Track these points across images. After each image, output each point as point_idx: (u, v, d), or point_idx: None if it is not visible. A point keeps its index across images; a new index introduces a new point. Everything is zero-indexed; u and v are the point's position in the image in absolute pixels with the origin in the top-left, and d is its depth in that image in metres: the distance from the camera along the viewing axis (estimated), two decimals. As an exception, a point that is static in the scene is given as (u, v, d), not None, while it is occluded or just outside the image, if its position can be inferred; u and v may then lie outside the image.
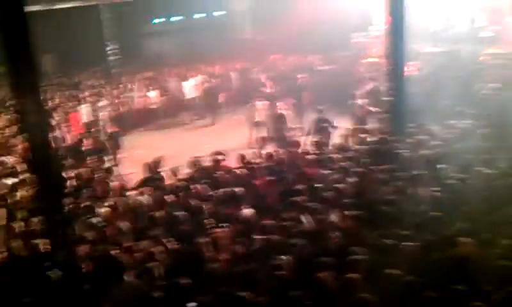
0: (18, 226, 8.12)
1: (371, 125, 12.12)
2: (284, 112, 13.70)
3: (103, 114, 17.09)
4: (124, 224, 7.60)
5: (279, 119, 13.13)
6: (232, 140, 14.56)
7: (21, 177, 10.25)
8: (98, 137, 14.24)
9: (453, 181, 7.75)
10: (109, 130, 14.37)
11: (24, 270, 6.45)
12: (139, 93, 19.03)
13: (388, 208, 6.99)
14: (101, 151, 12.85)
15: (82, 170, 10.67)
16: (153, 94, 19.02)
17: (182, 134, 17.34)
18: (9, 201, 9.32)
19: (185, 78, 19.98)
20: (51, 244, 6.96)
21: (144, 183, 9.44)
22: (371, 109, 13.23)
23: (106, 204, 8.62)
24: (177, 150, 14.76)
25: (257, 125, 13.54)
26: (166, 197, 8.41)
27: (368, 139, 10.50)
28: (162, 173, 9.95)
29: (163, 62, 24.63)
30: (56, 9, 21.55)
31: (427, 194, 7.48)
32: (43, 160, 7.62)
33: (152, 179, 9.62)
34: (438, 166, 8.36)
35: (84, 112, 16.73)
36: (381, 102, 12.43)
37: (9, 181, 10.13)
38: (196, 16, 28.75)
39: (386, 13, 10.45)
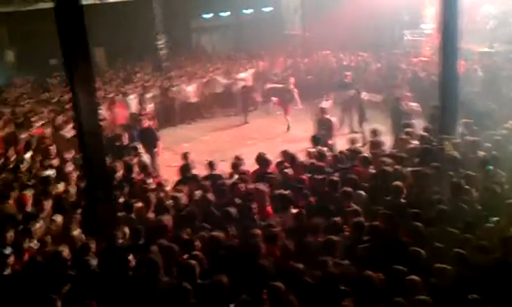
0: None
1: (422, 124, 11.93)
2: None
3: (149, 107, 17.44)
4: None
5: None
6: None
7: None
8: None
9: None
10: (145, 124, 13.94)
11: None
12: (185, 86, 19.22)
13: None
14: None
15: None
16: (192, 89, 19.14)
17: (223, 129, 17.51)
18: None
19: (229, 73, 20.17)
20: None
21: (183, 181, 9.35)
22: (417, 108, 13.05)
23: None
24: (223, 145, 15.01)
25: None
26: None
27: (418, 140, 10.26)
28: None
29: (211, 57, 24.88)
30: (108, 3, 22.06)
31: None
32: (95, 153, 7.83)
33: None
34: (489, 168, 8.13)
35: (131, 104, 17.00)
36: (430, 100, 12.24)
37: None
38: (246, 11, 28.84)
39: (439, 10, 10.22)
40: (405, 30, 21.57)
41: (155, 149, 13.20)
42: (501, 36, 18.81)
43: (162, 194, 8.70)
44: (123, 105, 16.74)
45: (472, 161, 8.58)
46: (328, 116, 12.64)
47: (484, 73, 15.24)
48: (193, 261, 5.70)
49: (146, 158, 12.09)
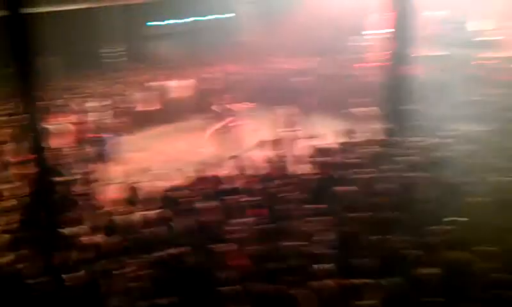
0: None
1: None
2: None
3: (99, 117, 17.25)
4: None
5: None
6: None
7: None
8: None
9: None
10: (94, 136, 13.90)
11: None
12: (136, 95, 19.11)
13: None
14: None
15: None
16: (147, 96, 19.03)
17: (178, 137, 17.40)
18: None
19: (174, 80, 20.15)
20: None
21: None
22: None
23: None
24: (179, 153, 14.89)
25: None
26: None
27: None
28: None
29: (164, 65, 24.74)
30: (60, 11, 21.63)
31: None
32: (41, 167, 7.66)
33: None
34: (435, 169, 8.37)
35: (79, 115, 16.53)
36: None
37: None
38: (201, 18, 28.79)
39: (391, 15, 10.44)
40: (355, 35, 21.97)
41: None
42: (454, 40, 19.41)
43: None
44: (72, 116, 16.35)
45: (425, 163, 8.79)
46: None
47: (438, 77, 15.66)
48: (135, 284, 5.62)
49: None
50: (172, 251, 6.45)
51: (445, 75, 15.21)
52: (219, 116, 15.62)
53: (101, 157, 13.66)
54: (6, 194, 9.49)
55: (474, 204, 6.91)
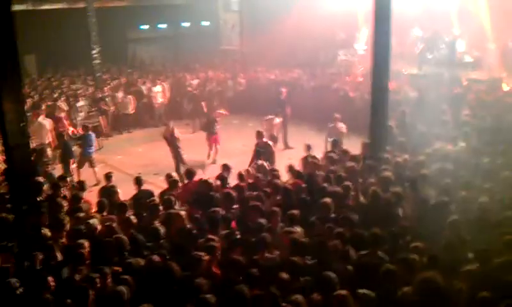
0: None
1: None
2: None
3: (80, 116, 17.13)
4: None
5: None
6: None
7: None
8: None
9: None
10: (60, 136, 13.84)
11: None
12: (117, 97, 19.04)
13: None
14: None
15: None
16: (127, 100, 19.03)
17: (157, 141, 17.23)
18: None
19: (155, 84, 20.23)
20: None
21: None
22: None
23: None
24: (156, 157, 14.80)
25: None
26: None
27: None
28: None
29: (146, 68, 24.70)
30: (40, 10, 21.43)
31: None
32: (21, 165, 7.51)
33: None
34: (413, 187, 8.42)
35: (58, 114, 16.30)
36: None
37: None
38: (184, 24, 28.78)
39: (371, 31, 10.55)
40: (339, 50, 22.16)
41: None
42: (429, 59, 19.71)
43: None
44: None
45: (401, 180, 8.84)
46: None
47: (414, 94, 15.82)
48: (122, 288, 5.47)
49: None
50: (150, 257, 6.31)
51: (427, 93, 15.35)
52: (200, 123, 15.63)
53: (80, 157, 13.45)
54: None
55: (450, 222, 6.93)
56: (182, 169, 11.71)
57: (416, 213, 7.71)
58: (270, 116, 14.96)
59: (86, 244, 6.71)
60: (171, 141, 13.36)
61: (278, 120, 14.82)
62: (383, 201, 7.90)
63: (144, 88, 20.11)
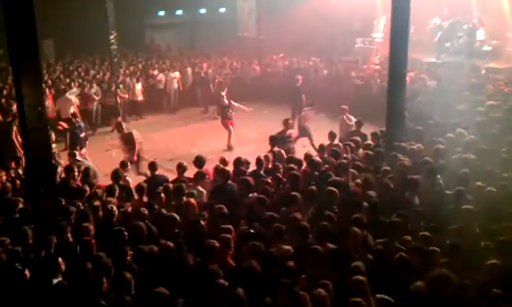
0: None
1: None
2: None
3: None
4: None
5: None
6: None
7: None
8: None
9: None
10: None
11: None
12: (131, 83, 19.16)
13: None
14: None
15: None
16: (139, 87, 19.09)
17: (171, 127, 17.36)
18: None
19: (172, 71, 20.28)
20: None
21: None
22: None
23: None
24: (171, 143, 14.87)
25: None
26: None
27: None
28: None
29: (162, 55, 24.73)
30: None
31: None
32: (40, 150, 7.55)
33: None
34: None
35: (72, 100, 16.47)
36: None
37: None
38: (201, 11, 28.75)
39: (389, 19, 10.45)
40: (357, 38, 21.99)
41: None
42: (448, 47, 19.48)
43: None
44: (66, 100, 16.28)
45: (419, 169, 8.78)
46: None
47: (432, 83, 15.68)
48: (128, 274, 5.49)
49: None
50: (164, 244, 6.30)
51: (446, 82, 15.19)
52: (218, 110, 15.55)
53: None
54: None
55: (466, 212, 6.88)
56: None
57: (432, 202, 7.65)
58: (307, 108, 14.46)
59: (91, 227, 6.79)
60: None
61: (310, 112, 14.22)
62: (397, 190, 7.86)
63: (160, 74, 20.17)
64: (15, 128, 12.65)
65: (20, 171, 10.01)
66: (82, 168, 9.99)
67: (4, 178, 9.45)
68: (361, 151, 10.23)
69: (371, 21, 21.65)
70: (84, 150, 12.86)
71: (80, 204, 8.06)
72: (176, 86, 19.75)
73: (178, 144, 14.22)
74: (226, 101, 15.24)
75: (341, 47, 22.33)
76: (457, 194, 7.49)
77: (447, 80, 15.50)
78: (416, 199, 7.67)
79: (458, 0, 19.77)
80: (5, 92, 16.75)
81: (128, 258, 6.14)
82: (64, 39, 23.61)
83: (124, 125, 12.60)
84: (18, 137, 13.02)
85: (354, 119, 12.49)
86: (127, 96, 18.52)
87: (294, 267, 5.59)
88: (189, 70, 20.92)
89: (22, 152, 11.47)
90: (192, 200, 7.69)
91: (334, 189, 7.57)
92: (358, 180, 8.48)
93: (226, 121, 15.10)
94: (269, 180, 8.63)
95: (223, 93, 15.60)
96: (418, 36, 18.80)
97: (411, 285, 5.19)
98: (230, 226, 6.64)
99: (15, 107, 14.37)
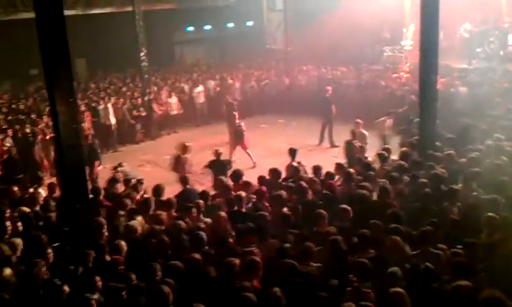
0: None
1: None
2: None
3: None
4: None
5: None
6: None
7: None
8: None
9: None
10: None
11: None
12: (162, 98, 19.48)
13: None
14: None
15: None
16: (174, 100, 19.30)
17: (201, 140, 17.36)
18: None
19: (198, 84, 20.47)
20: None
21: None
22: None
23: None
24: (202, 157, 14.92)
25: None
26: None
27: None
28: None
29: (191, 69, 24.97)
30: (90, 14, 22.05)
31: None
32: (74, 166, 7.69)
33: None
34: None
35: (102, 115, 17.06)
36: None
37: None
38: (229, 25, 29.00)
39: (419, 27, 10.36)
40: (385, 46, 21.85)
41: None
42: (479, 53, 19.19)
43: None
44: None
45: (454, 176, 8.65)
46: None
47: (464, 89, 15.46)
48: (166, 288, 5.45)
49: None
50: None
51: (478, 88, 14.96)
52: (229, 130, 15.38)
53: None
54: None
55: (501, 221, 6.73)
56: None
57: (467, 210, 7.50)
58: (381, 118, 14.02)
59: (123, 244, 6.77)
60: None
61: (390, 121, 13.86)
62: (434, 198, 7.73)
63: (186, 88, 20.42)
64: (37, 147, 12.80)
65: (42, 191, 9.91)
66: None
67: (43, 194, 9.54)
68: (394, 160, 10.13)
69: (400, 29, 21.47)
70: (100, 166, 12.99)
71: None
72: (202, 100, 19.89)
73: (209, 157, 14.28)
74: (237, 121, 15.01)
75: (369, 55, 22.22)
76: (492, 201, 7.33)
77: (479, 85, 15.26)
78: (454, 209, 7.52)
79: (488, 5, 19.49)
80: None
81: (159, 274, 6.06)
82: (96, 57, 24.11)
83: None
84: (42, 154, 13.29)
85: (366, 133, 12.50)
86: (161, 110, 18.75)
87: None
88: (212, 82, 21.08)
89: (45, 172, 11.75)
90: (223, 214, 7.67)
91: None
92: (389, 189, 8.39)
93: (238, 142, 14.73)
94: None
95: (235, 113, 15.43)
96: (449, 42, 18.59)
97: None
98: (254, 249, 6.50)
99: (41, 125, 14.77)
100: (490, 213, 6.68)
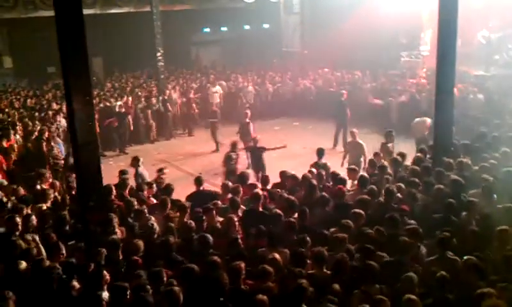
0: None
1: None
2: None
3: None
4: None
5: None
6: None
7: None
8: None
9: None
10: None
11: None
12: (176, 98, 19.50)
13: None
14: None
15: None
16: (191, 100, 19.45)
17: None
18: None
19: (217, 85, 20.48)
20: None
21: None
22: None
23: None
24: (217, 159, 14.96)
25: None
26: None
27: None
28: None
29: (207, 70, 25.05)
30: (108, 14, 22.22)
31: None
32: (90, 163, 7.75)
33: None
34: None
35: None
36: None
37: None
38: (245, 27, 29.03)
39: (436, 32, 10.30)
40: (402, 51, 21.72)
41: None
42: (497, 60, 19.02)
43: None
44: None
45: (471, 184, 8.57)
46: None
47: (482, 96, 15.34)
48: (177, 288, 5.46)
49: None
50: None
51: (496, 95, 14.84)
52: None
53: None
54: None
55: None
56: None
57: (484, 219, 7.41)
58: (418, 119, 13.73)
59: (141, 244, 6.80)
60: None
61: (429, 121, 13.24)
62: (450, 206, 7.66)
63: (211, 89, 20.36)
64: (44, 142, 12.89)
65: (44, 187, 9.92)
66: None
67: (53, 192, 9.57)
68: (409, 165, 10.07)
69: (417, 34, 21.34)
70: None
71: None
72: (218, 100, 19.83)
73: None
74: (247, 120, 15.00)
75: (386, 60, 22.10)
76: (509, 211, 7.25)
77: (496, 92, 15.13)
78: (473, 221, 7.44)
79: (507, 12, 19.31)
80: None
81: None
82: (112, 56, 24.28)
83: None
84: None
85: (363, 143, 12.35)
86: (173, 110, 18.85)
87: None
88: (224, 83, 21.14)
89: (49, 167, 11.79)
90: (234, 217, 7.66)
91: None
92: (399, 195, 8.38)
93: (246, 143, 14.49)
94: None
95: (247, 111, 15.43)
96: (466, 49, 18.42)
97: None
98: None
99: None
100: (503, 227, 6.65)
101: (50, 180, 10.30)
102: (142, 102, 18.42)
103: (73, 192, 9.41)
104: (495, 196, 8.00)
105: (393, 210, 7.60)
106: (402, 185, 8.63)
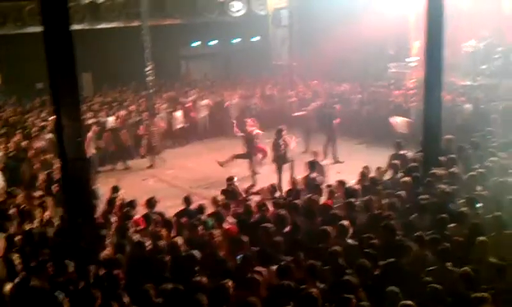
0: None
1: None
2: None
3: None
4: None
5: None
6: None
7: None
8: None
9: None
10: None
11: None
12: (165, 112, 19.53)
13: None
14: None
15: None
16: (179, 114, 19.42)
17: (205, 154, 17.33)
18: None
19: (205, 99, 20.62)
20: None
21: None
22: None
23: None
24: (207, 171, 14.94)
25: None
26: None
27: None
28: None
29: (195, 84, 25.07)
30: (96, 29, 22.21)
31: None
32: (79, 180, 7.70)
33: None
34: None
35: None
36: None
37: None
38: (234, 40, 29.10)
39: (423, 43, 10.40)
40: (390, 63, 21.88)
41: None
42: (484, 70, 19.18)
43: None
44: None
45: (458, 194, 8.61)
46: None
47: (469, 106, 15.46)
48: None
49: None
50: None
51: (482, 104, 14.97)
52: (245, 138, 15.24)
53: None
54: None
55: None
56: None
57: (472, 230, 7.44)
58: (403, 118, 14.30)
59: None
60: None
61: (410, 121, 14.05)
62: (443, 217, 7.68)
63: (198, 103, 20.46)
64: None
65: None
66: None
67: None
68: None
69: (405, 46, 21.53)
70: None
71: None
72: (205, 113, 19.92)
73: (213, 171, 14.27)
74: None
75: (374, 72, 22.25)
76: (498, 220, 7.30)
77: (483, 102, 15.27)
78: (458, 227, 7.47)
79: (494, 22, 19.52)
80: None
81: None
82: (101, 71, 24.21)
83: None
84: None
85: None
86: (163, 124, 18.81)
87: None
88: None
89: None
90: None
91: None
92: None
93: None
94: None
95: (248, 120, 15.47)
96: (454, 59, 18.59)
97: None
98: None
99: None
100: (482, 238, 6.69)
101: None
102: (132, 116, 18.35)
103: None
104: (481, 205, 8.05)
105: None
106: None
